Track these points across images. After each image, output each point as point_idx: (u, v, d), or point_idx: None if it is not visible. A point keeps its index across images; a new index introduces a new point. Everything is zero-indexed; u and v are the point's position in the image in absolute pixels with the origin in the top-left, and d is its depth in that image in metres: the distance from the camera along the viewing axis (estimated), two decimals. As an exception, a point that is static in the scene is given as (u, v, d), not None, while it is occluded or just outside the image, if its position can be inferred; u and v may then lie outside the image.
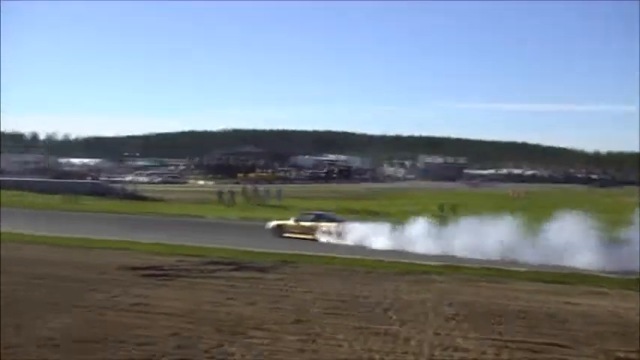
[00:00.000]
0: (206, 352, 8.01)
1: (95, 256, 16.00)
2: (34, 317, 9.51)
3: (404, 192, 58.32)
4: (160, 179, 66.57)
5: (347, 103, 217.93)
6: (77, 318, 9.59)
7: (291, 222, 23.19)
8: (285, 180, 68.68)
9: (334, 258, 16.34)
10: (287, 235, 22.47)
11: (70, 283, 12.16)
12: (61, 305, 10.34)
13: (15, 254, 15.61)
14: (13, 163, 73.15)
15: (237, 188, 43.91)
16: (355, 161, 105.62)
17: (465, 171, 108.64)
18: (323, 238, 21.58)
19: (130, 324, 9.25)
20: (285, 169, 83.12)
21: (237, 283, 12.63)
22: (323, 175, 77.46)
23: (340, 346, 8.34)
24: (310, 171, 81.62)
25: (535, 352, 8.25)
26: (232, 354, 7.93)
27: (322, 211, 24.68)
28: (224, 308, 10.40)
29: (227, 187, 47.19)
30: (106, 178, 61.55)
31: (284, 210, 31.75)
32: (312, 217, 23.03)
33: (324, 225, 22.31)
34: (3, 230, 19.78)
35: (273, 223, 23.68)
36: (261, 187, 44.12)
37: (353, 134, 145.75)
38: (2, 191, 39.28)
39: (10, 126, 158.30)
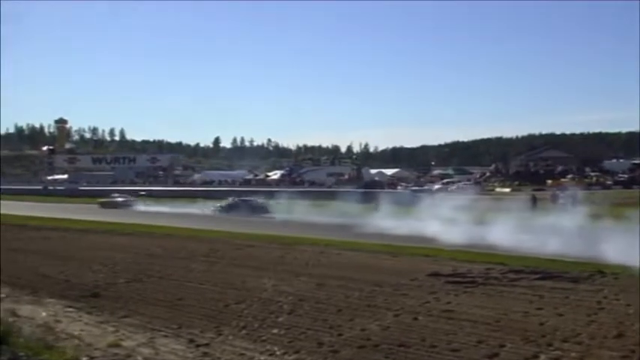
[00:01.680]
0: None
1: (401, 262, 16.60)
2: (351, 319, 10.30)
3: None
4: (454, 187, 66.50)
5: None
6: (392, 321, 10.14)
7: (108, 200, 43.34)
8: (597, 186, 62.56)
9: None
10: (107, 208, 40.59)
11: (384, 287, 12.89)
12: (376, 309, 11.06)
13: (335, 259, 17.29)
14: (328, 176, 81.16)
15: (542, 195, 41.63)
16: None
17: None
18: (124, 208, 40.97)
19: (438, 329, 9.52)
20: (595, 174, 75.55)
21: (544, 292, 12.04)
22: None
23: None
24: (626, 175, 72.64)
25: None
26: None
27: None
28: (531, 318, 10.03)
29: (529, 193, 45.03)
30: (417, 188, 63.87)
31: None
32: (118, 195, 44.57)
33: (123, 199, 43.29)
34: (331, 238, 21.69)
35: (101, 200, 43.33)
36: (561, 193, 40.92)
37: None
38: (325, 202, 38.09)
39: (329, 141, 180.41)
